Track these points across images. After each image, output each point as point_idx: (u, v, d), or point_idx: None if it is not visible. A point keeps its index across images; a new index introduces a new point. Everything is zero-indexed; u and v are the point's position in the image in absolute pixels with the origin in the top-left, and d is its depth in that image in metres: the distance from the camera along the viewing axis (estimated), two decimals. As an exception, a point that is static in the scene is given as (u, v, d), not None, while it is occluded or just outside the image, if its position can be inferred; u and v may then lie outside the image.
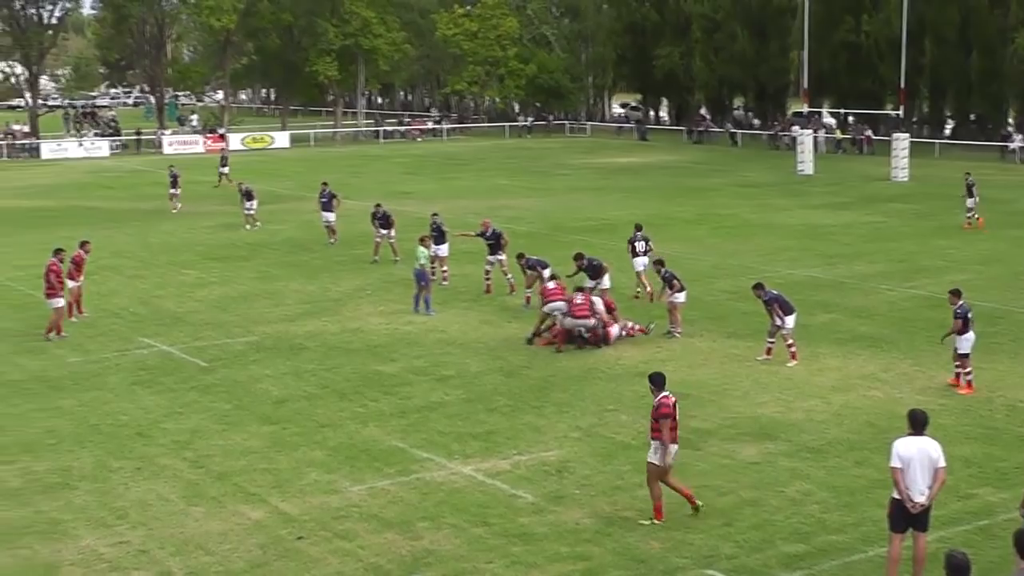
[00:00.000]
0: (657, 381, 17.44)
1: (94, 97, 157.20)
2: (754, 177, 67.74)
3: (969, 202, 46.66)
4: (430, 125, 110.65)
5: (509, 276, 34.29)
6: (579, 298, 28.21)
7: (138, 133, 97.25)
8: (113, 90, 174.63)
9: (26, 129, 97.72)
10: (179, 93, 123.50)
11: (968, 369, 24.16)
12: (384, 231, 40.13)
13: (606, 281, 30.60)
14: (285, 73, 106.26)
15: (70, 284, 31.54)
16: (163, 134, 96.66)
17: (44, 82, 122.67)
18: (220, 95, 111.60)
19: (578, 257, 30.97)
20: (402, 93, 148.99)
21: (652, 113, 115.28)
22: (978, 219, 46.34)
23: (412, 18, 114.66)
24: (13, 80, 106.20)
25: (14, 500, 18.79)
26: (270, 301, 34.24)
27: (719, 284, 35.53)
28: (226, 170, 64.51)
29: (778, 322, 26.17)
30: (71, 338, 29.60)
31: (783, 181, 65.54)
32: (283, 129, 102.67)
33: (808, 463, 19.90)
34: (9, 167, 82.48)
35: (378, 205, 41.08)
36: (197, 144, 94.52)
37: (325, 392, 24.74)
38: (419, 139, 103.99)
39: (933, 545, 15.39)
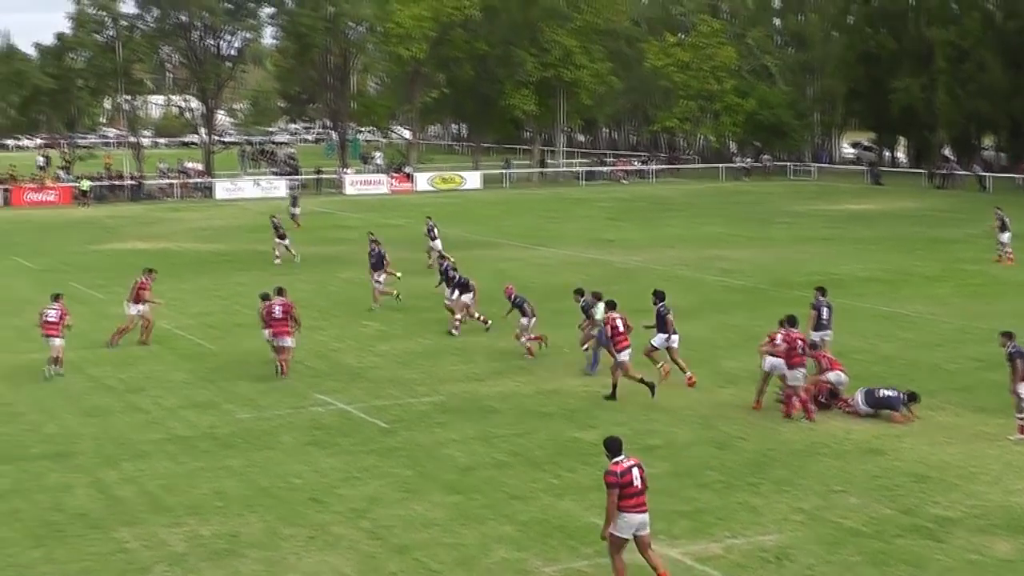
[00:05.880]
0: (609, 446, 17.67)
1: (271, 133, 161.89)
2: (1006, 228, 65.85)
3: None
4: (636, 166, 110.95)
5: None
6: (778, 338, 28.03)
7: (318, 172, 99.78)
8: (292, 125, 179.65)
9: (200, 167, 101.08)
10: (363, 129, 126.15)
11: None
12: (375, 272, 42.28)
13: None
14: (478, 107, 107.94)
15: (132, 310, 35.71)
16: (345, 173, 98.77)
17: (220, 117, 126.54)
18: (407, 131, 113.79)
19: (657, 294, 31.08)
20: (606, 130, 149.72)
21: (887, 154, 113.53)
22: None
23: (618, 47, 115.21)
24: (189, 115, 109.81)
25: (179, 566, 19.22)
26: (458, 357, 34.49)
27: (965, 350, 34.45)
28: (297, 211, 68.67)
29: (1020, 390, 25.37)
30: (242, 392, 30.32)
31: (1041, 232, 63.67)
32: (475, 168, 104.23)
33: (1072, 561, 19.15)
34: (182, 207, 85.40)
35: (374, 241, 44.02)
36: (381, 184, 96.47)
37: (516, 460, 24.77)
38: (624, 181, 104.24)
39: None
